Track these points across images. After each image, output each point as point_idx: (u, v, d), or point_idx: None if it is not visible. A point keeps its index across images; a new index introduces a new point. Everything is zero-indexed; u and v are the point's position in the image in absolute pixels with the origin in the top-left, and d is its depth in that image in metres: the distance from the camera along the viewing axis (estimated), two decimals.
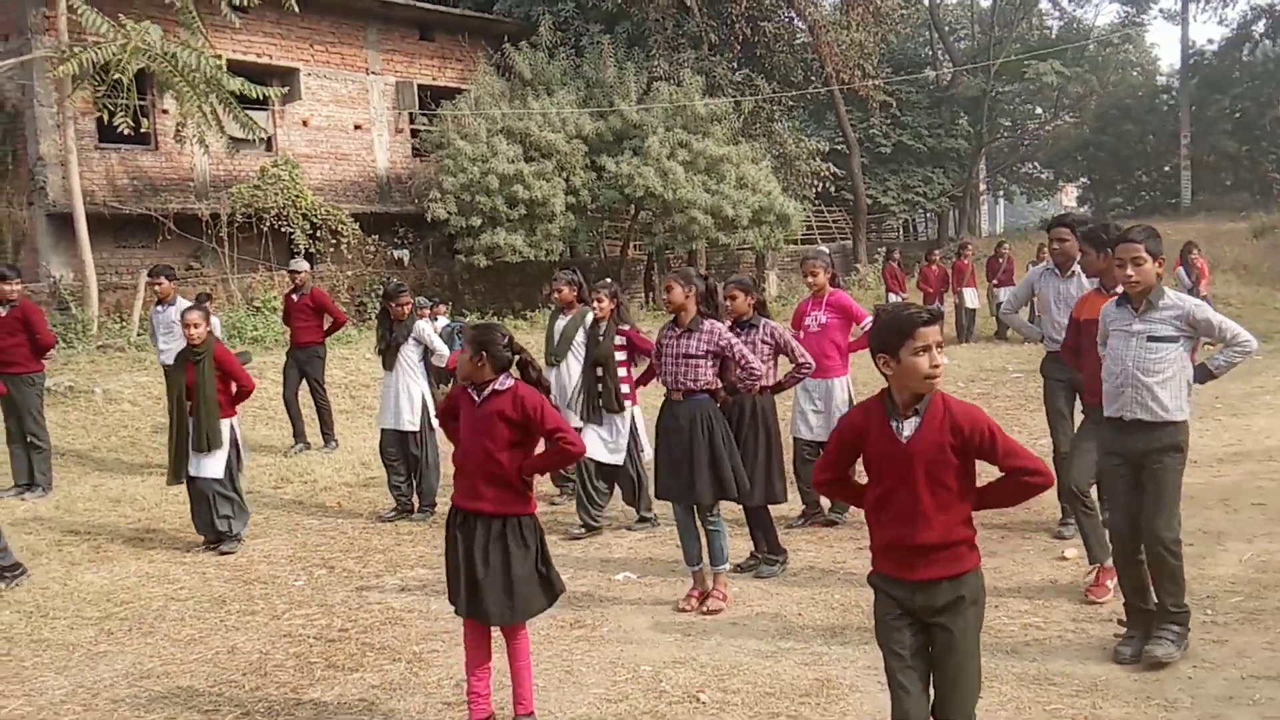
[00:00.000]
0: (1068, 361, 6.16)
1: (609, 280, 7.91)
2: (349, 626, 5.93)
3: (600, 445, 7.57)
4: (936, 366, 3.28)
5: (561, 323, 8.76)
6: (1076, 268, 6.57)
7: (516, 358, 4.42)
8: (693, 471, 5.87)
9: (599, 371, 7.58)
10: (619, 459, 7.65)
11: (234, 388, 7.75)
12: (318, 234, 19.54)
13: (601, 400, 7.59)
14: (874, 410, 3.41)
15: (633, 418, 7.72)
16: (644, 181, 20.32)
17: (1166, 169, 41.96)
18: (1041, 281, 6.94)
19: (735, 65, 25.73)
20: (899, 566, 3.36)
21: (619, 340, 7.61)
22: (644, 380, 7.60)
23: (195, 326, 7.50)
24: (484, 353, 4.32)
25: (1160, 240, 4.92)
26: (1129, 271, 4.80)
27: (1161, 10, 43.73)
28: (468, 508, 4.37)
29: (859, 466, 3.54)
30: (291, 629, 5.94)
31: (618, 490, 7.92)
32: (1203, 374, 5.00)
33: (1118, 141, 41.41)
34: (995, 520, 7.26)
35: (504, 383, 4.36)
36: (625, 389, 7.64)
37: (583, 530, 7.70)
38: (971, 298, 19.48)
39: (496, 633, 4.43)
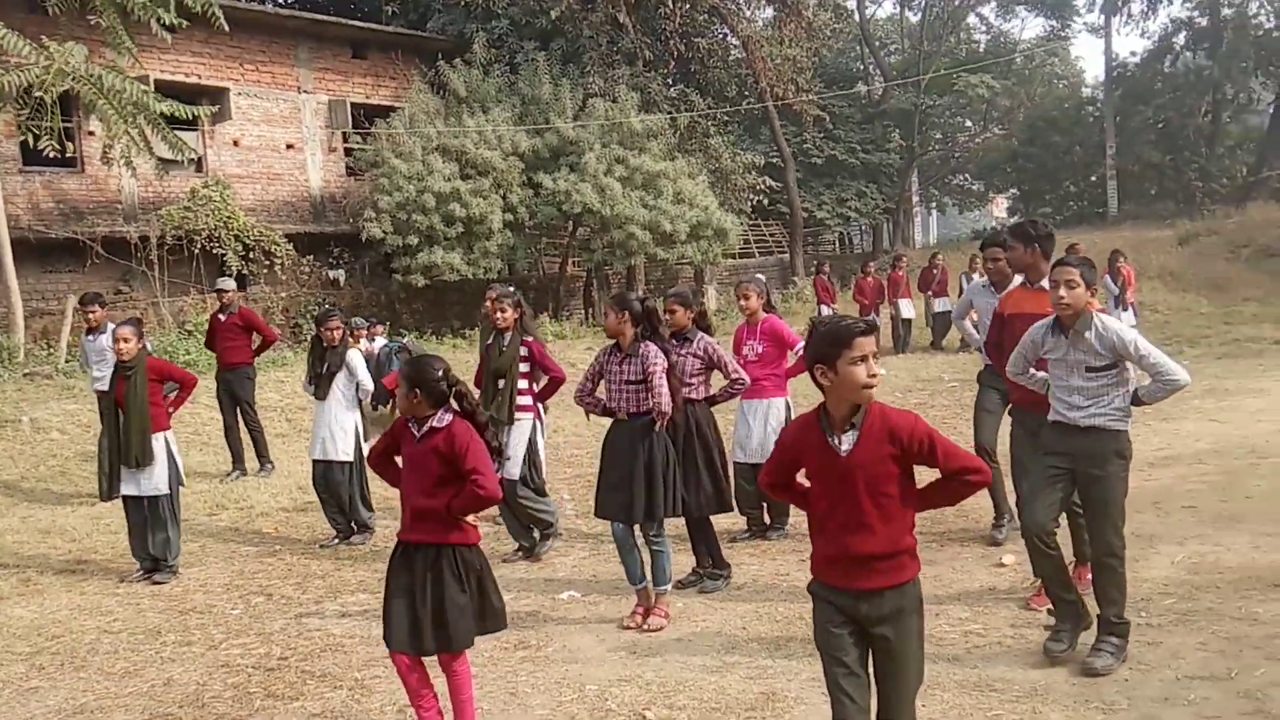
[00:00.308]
0: (990, 356, 6.27)
1: (513, 289, 7.66)
2: (288, 654, 5.83)
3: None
4: (874, 376, 3.31)
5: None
6: (1014, 284, 6.69)
7: (453, 390, 4.37)
8: (631, 490, 5.88)
9: (499, 384, 7.34)
10: (511, 473, 7.30)
11: (166, 399, 7.63)
12: (251, 255, 19.31)
13: (494, 412, 7.26)
14: (810, 426, 3.43)
15: (533, 431, 7.47)
16: (581, 198, 20.35)
17: (1093, 179, 42.83)
18: (978, 297, 7.07)
19: (670, 81, 25.89)
20: (842, 576, 3.39)
21: (522, 352, 7.37)
22: (544, 395, 7.47)
23: (125, 341, 7.40)
24: (418, 389, 4.29)
25: (1095, 270, 5.02)
26: (1061, 293, 4.88)
27: (1085, 24, 44.58)
28: (408, 540, 4.34)
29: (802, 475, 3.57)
30: (229, 659, 5.83)
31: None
32: (1136, 401, 5.08)
33: (1045, 153, 42.21)
34: (933, 529, 7.36)
35: (442, 418, 4.32)
36: (527, 401, 7.42)
37: (518, 554, 7.61)
38: (907, 309, 19.75)
39: (431, 661, 4.39)
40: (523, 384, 7.39)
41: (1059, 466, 5.01)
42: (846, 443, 3.33)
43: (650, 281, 25.60)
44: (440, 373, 4.33)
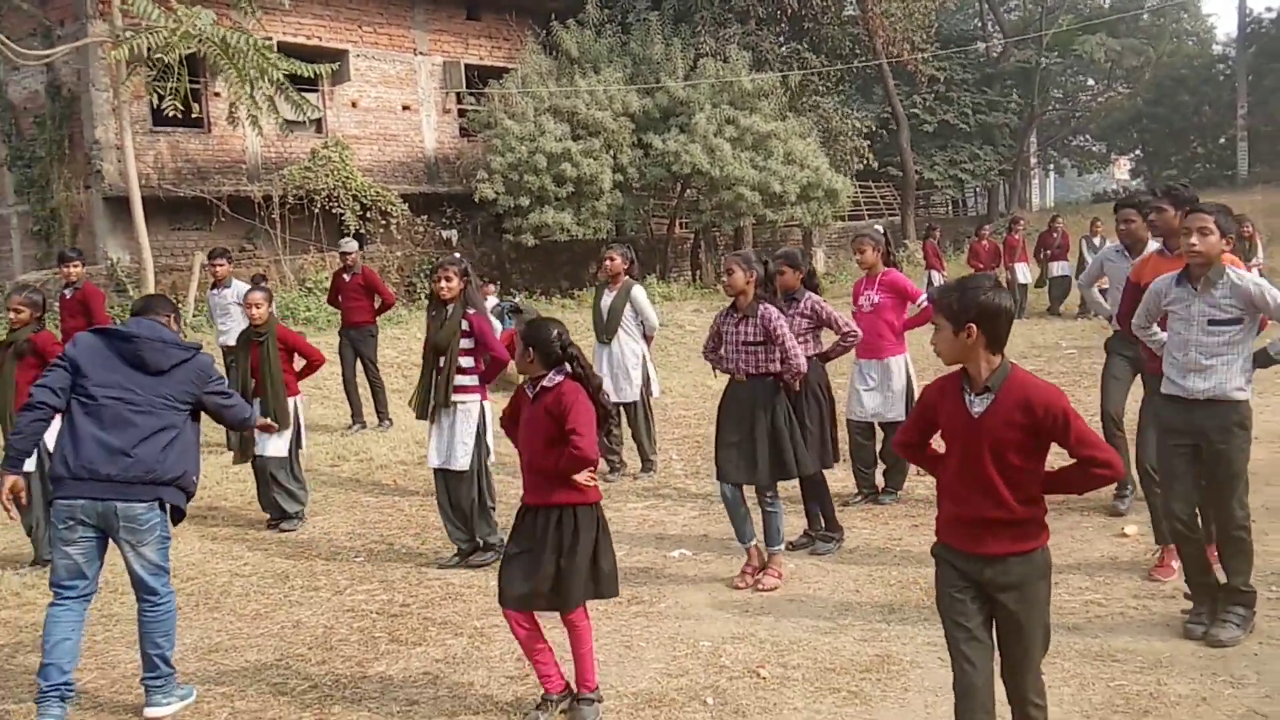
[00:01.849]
0: (1122, 325, 6.06)
1: (459, 256, 6.97)
2: (410, 602, 6.02)
3: (433, 447, 6.70)
4: (932, 342, 3.38)
5: (608, 299, 8.81)
6: (1150, 248, 6.49)
7: (567, 352, 4.42)
8: (754, 452, 5.87)
9: (439, 361, 6.63)
10: (460, 463, 6.59)
11: (299, 364, 7.85)
12: (367, 215, 19.72)
13: (437, 394, 6.63)
14: (950, 382, 3.41)
15: (482, 415, 6.69)
16: (691, 158, 20.27)
17: (1222, 140, 41.16)
18: (1111, 262, 6.84)
19: (782, 39, 25.54)
20: (966, 539, 3.36)
21: (464, 326, 6.62)
22: (486, 377, 6.71)
23: (258, 306, 7.64)
24: (532, 349, 4.37)
25: (1232, 219, 4.81)
26: (1194, 240, 4.69)
27: None
28: (529, 502, 4.44)
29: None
30: (354, 604, 6.04)
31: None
32: (1263, 359, 4.87)
33: (1172, 113, 40.67)
34: (1052, 496, 7.21)
35: (554, 379, 4.40)
36: (474, 381, 6.66)
37: (455, 559, 6.75)
38: (1024, 273, 19.25)
39: (549, 616, 4.49)
40: (467, 362, 6.65)
41: (1183, 444, 4.87)
42: (980, 405, 3.30)
43: (758, 243, 25.42)
44: (555, 334, 4.39)
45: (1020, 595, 3.31)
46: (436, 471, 6.73)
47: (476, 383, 6.68)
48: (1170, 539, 5.03)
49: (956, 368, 3.41)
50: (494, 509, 6.83)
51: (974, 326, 3.24)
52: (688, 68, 21.76)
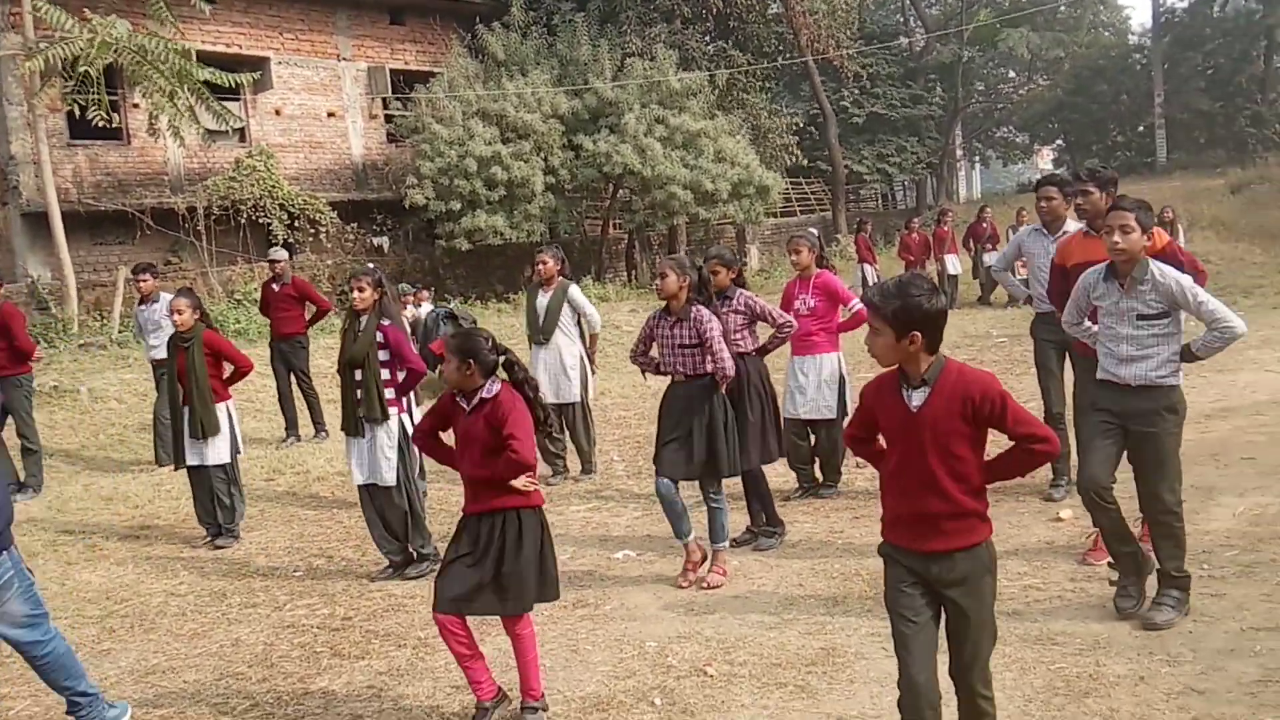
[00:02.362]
0: (1055, 305, 6.13)
1: (373, 266, 6.83)
2: (352, 615, 5.94)
3: (355, 463, 6.57)
4: (869, 346, 3.37)
5: (544, 299, 8.78)
6: (1067, 225, 6.60)
7: (502, 359, 4.40)
8: (691, 449, 5.90)
9: (356, 375, 6.52)
10: (386, 478, 6.49)
11: (227, 370, 7.70)
12: (296, 224, 19.46)
13: (362, 409, 6.49)
14: (887, 380, 3.43)
15: (401, 429, 6.55)
16: (622, 159, 20.27)
17: (1141, 128, 42.12)
18: (1030, 241, 6.96)
19: (708, 38, 25.64)
20: (911, 537, 3.37)
21: (378, 338, 6.52)
22: (402, 389, 6.61)
23: (180, 313, 7.48)
24: (471, 361, 4.31)
25: (1152, 214, 4.89)
26: (1116, 238, 4.76)
27: None
28: (471, 511, 4.39)
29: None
30: (294, 619, 5.95)
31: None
32: (1187, 355, 4.94)
33: (1092, 102, 41.52)
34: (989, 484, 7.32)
35: (491, 389, 4.36)
36: (390, 393, 6.55)
37: (389, 570, 6.63)
38: (953, 264, 19.53)
39: (482, 622, 4.45)
40: (384, 374, 6.55)
41: (1111, 423, 4.94)
42: (918, 398, 3.31)
43: (692, 241, 25.50)
44: (489, 343, 4.36)
45: (967, 590, 3.33)
46: (362, 487, 6.59)
47: (393, 395, 6.57)
48: (1088, 508, 5.08)
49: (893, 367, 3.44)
50: (425, 518, 6.75)
51: (918, 335, 3.25)
52: (615, 68, 21.77)
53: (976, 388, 3.26)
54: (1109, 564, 5.22)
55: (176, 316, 7.51)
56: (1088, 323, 5.30)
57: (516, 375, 4.42)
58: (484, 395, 4.34)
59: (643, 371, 6.35)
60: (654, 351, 6.25)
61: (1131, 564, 4.99)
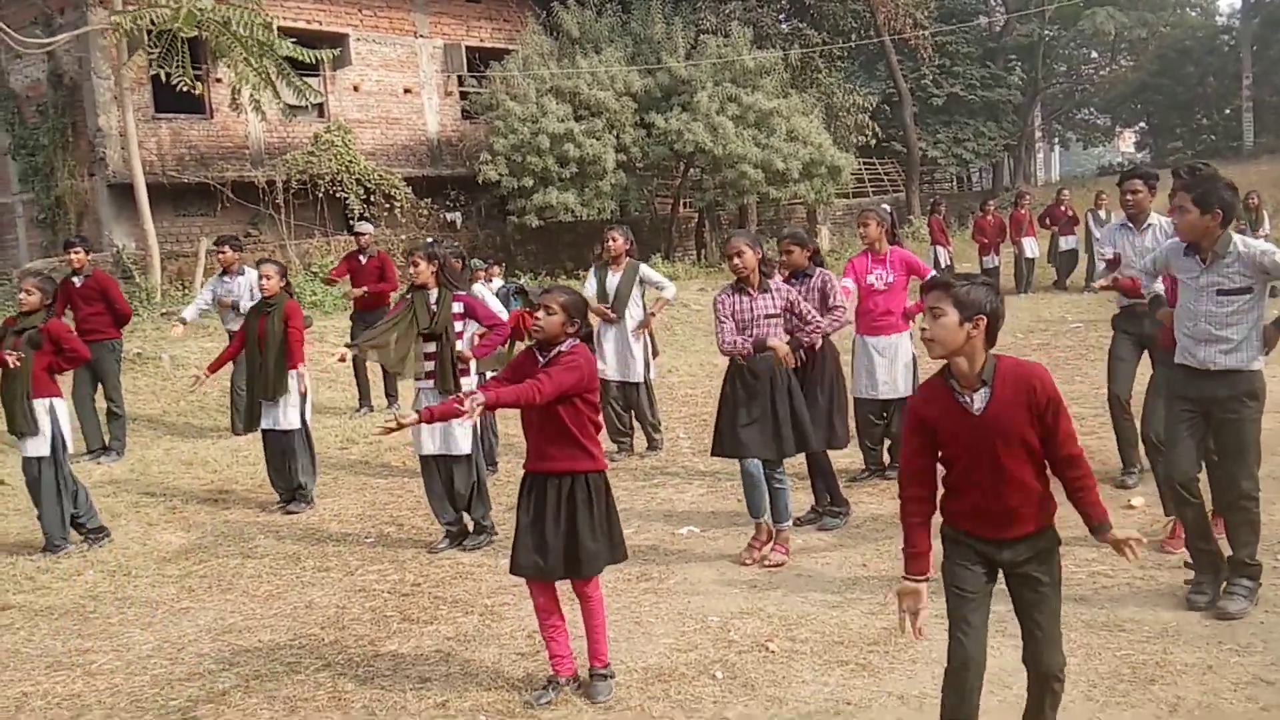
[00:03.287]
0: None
1: (430, 241, 6.77)
2: (421, 581, 6.07)
3: (427, 434, 6.54)
4: (924, 330, 3.27)
5: (614, 279, 8.82)
6: (1152, 219, 6.49)
7: (585, 328, 4.51)
8: (776, 425, 5.89)
9: (430, 346, 6.58)
10: (462, 447, 6.55)
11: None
12: (371, 198, 19.75)
13: (437, 380, 6.57)
14: (937, 388, 3.35)
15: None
16: (693, 137, 20.24)
17: (1228, 111, 40.98)
18: (1117, 237, 6.81)
19: (783, 16, 25.45)
20: (982, 526, 3.34)
21: (456, 308, 6.63)
22: (485, 349, 6.74)
23: (268, 279, 7.71)
24: (576, 320, 4.40)
25: (1221, 192, 4.68)
26: (1175, 219, 4.74)
27: None
28: (536, 470, 4.45)
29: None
30: (366, 584, 6.09)
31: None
32: (1271, 334, 4.82)
33: (1177, 84, 40.48)
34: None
35: (570, 344, 4.43)
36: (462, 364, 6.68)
37: (445, 543, 6.65)
38: (1030, 247, 19.19)
39: (564, 589, 4.52)
40: (458, 346, 6.69)
41: (1191, 411, 4.87)
42: (979, 401, 3.25)
43: (762, 221, 25.40)
44: (585, 308, 4.49)
45: (1037, 564, 3.32)
46: (427, 457, 6.62)
47: (464, 365, 6.69)
48: (1174, 504, 5.03)
49: (935, 376, 3.39)
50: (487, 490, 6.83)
51: (983, 319, 3.20)
52: (689, 46, 21.70)
53: (1037, 381, 3.22)
54: (1186, 563, 5.13)
55: (265, 281, 7.75)
56: (1157, 286, 5.22)
57: (585, 329, 4.53)
58: (561, 349, 4.41)
59: (744, 357, 5.95)
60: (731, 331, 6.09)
61: (1209, 562, 4.92)
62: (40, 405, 6.85)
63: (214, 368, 7.96)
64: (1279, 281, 4.73)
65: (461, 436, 6.55)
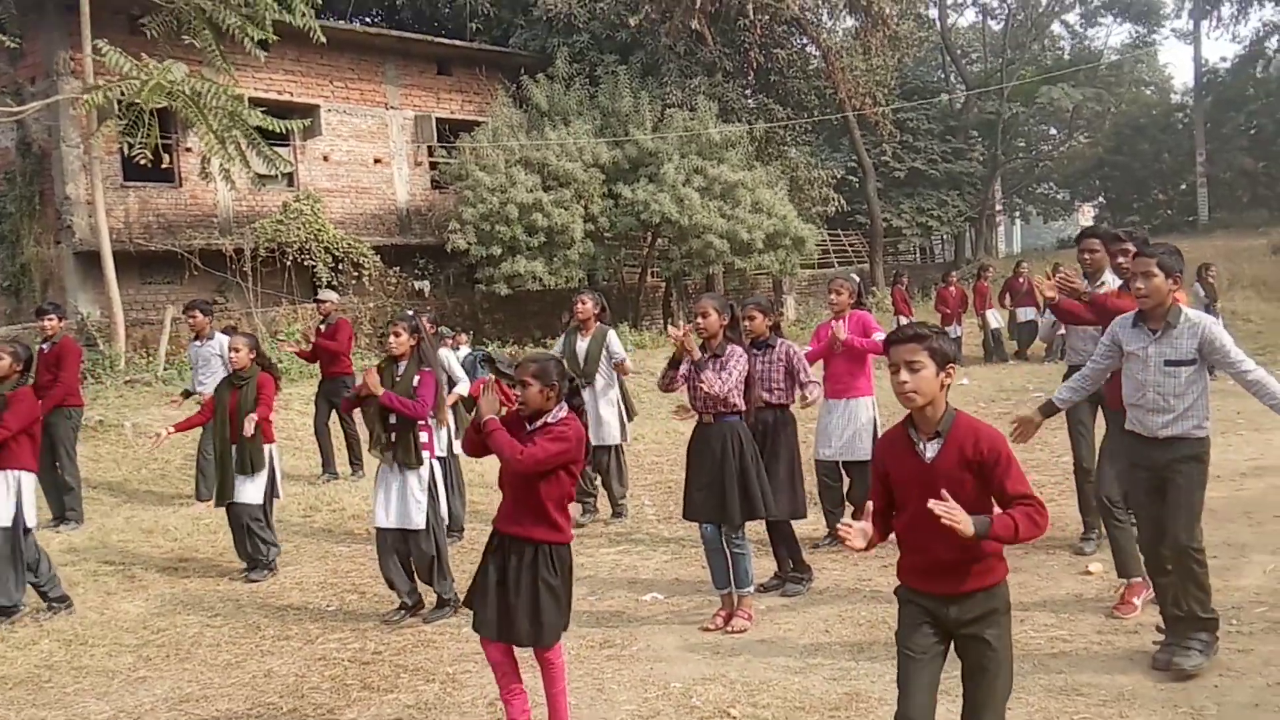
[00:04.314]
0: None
1: (411, 313, 6.88)
2: (382, 649, 6.02)
3: (382, 508, 6.49)
4: (904, 383, 3.35)
5: (583, 344, 8.89)
6: (1106, 278, 6.64)
7: (570, 384, 4.54)
8: (724, 491, 5.95)
9: (392, 418, 6.47)
10: (416, 522, 6.44)
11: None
12: (340, 267, 19.81)
13: (397, 454, 6.47)
14: (898, 435, 3.50)
15: (432, 474, 6.58)
16: (660, 208, 20.50)
17: (1183, 187, 41.95)
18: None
19: (749, 91, 25.94)
20: (930, 581, 3.42)
21: (415, 381, 6.52)
22: (405, 410, 6.43)
23: (236, 351, 7.69)
24: (554, 384, 4.44)
25: (1181, 259, 4.95)
26: (1139, 284, 4.86)
27: (1174, 30, 43.95)
28: (506, 531, 4.47)
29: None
30: (326, 652, 6.04)
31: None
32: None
33: (1133, 160, 41.43)
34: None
35: (558, 414, 4.46)
36: (424, 437, 6.58)
37: (401, 613, 6.58)
38: (995, 318, 19.54)
39: (524, 655, 4.52)
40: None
41: (1146, 478, 4.98)
42: (931, 450, 3.38)
43: (728, 291, 25.61)
44: (562, 369, 4.52)
45: (984, 625, 3.37)
46: (383, 530, 6.52)
47: (426, 439, 6.61)
48: (1147, 568, 5.11)
49: (898, 423, 3.50)
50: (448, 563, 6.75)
51: (953, 368, 3.38)
52: (656, 119, 22.06)
53: (986, 437, 3.33)
54: (1158, 628, 5.16)
55: (234, 354, 7.72)
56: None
57: (576, 403, 4.55)
58: (549, 420, 4.44)
59: (666, 388, 6.31)
60: (683, 393, 6.31)
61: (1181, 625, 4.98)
62: (8, 476, 6.76)
63: (181, 427, 7.92)
64: (1215, 360, 4.84)
65: (415, 510, 6.45)
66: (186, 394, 10.34)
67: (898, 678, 3.46)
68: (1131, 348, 5.00)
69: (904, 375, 3.36)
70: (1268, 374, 4.85)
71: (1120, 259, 6.25)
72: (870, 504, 3.60)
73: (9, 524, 6.72)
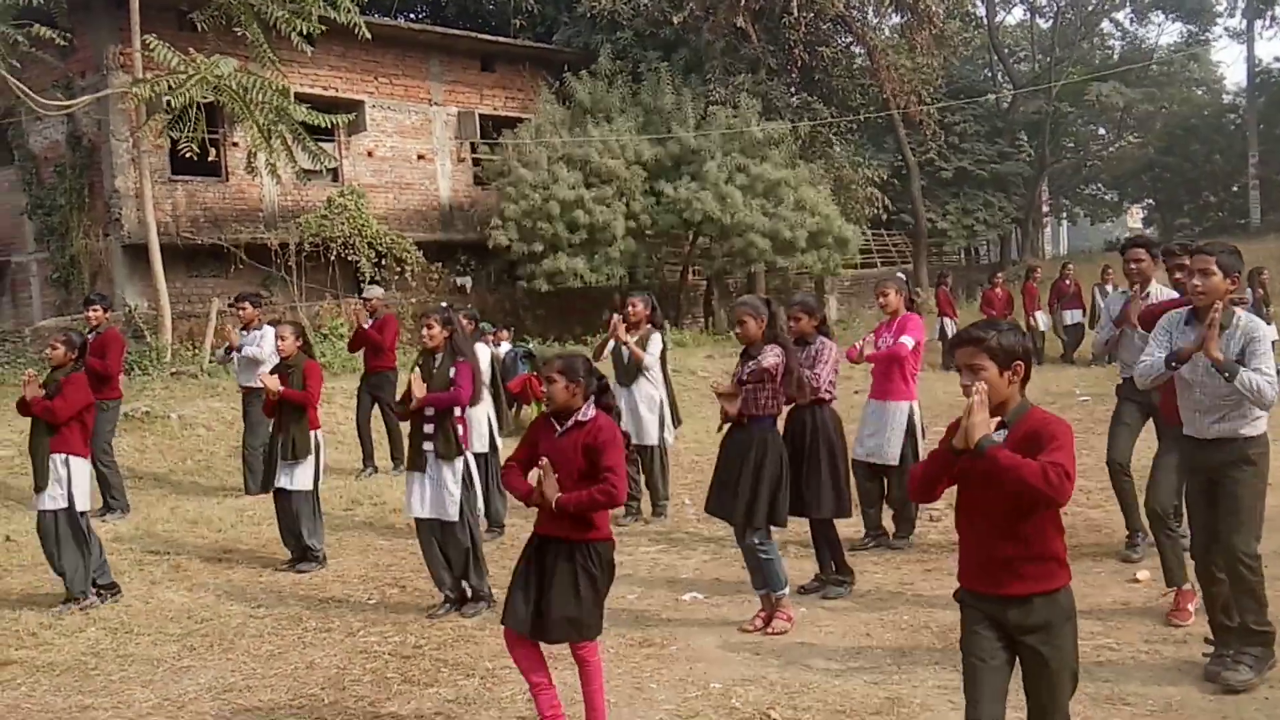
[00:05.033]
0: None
1: (444, 305, 6.97)
2: (422, 643, 6.05)
3: (417, 497, 6.53)
4: (965, 386, 3.31)
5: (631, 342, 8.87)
6: (1152, 289, 6.53)
7: (599, 382, 4.52)
8: (736, 491, 5.95)
9: (428, 411, 6.53)
10: (450, 513, 6.46)
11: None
12: (382, 262, 19.93)
13: (436, 444, 6.50)
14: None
15: (465, 465, 6.62)
16: (702, 206, 20.45)
17: (1235, 189, 41.30)
18: (1117, 305, 6.85)
19: (792, 89, 25.81)
20: (988, 581, 3.37)
21: (451, 373, 6.57)
22: (439, 402, 6.50)
23: (284, 339, 7.79)
24: (579, 381, 4.42)
25: (1240, 259, 4.87)
26: (1196, 281, 4.78)
27: (1226, 29, 43.11)
28: (543, 532, 4.47)
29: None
30: (367, 645, 6.07)
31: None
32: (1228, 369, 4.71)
33: (1184, 161, 40.84)
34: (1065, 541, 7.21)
35: (587, 413, 4.45)
36: (458, 429, 6.61)
37: (446, 607, 6.60)
38: (1043, 321, 19.34)
39: (562, 653, 4.51)
40: (457, 411, 6.63)
41: (1200, 482, 4.91)
42: (996, 440, 3.30)
43: (769, 290, 25.47)
44: (590, 366, 4.49)
45: (1045, 636, 3.32)
46: (421, 521, 6.56)
47: (462, 432, 6.64)
48: (1196, 575, 5.03)
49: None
50: (484, 556, 6.77)
51: (1021, 364, 3.31)
52: (698, 117, 22.01)
53: (1051, 423, 3.27)
54: (1207, 639, 5.08)
55: (281, 343, 7.84)
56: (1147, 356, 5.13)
57: (607, 400, 4.54)
58: (579, 418, 4.43)
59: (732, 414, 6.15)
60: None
61: (1231, 636, 4.89)
62: (57, 459, 6.86)
63: (280, 388, 7.65)
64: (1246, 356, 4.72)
65: (449, 501, 6.47)
66: (228, 350, 10.45)
67: (964, 686, 3.41)
68: (1182, 346, 4.92)
69: (967, 379, 3.35)
70: (1270, 384, 4.63)
71: (1178, 274, 6.14)
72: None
73: (65, 505, 6.82)
